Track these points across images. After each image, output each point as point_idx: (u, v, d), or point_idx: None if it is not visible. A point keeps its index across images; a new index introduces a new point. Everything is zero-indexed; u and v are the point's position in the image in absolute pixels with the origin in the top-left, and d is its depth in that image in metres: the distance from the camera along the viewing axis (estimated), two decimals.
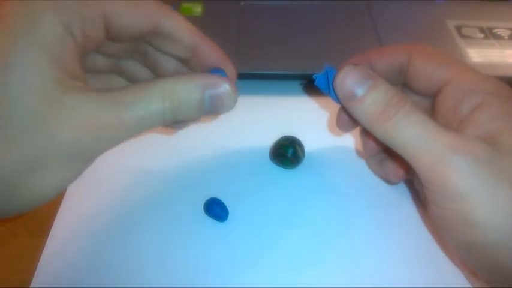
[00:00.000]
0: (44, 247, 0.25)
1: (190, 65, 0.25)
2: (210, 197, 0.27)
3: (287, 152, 0.29)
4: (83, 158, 0.20)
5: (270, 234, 0.26)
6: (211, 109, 0.22)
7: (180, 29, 0.23)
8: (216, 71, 0.24)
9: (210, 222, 0.27)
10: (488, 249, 0.20)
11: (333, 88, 0.23)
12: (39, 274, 0.24)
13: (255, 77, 0.35)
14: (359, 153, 0.31)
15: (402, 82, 0.26)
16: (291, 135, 0.30)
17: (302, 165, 0.30)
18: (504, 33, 0.38)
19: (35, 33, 0.18)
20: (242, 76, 0.35)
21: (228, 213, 0.27)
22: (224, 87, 0.22)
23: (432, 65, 0.24)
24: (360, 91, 0.21)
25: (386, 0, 0.41)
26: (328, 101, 0.25)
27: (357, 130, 0.33)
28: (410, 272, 0.24)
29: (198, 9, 0.41)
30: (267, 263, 0.25)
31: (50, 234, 0.26)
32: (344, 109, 0.25)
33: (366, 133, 0.28)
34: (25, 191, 0.19)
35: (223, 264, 0.25)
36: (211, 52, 0.24)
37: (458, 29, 0.38)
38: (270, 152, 0.30)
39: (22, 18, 0.18)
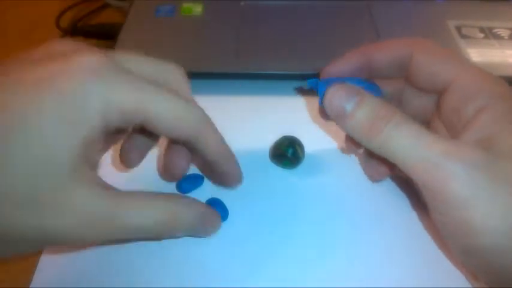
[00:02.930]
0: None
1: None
2: (210, 197, 0.27)
3: (287, 152, 0.29)
4: (52, 244, 0.21)
5: (270, 234, 0.26)
6: (196, 234, 0.25)
7: (211, 148, 0.23)
8: (214, 202, 0.27)
9: None
10: (489, 253, 0.20)
11: (322, 105, 0.23)
12: (39, 274, 0.24)
13: (255, 77, 0.35)
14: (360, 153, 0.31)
15: (404, 77, 0.25)
16: (291, 135, 0.30)
17: (302, 165, 0.30)
18: (504, 33, 0.38)
19: (77, 119, 0.18)
20: (242, 76, 0.35)
21: (228, 213, 0.27)
22: (216, 222, 0.25)
23: (436, 63, 0.23)
24: (348, 107, 0.22)
25: (386, 0, 0.41)
26: None
27: None
28: (411, 272, 0.24)
29: (198, 9, 0.41)
30: (267, 263, 0.25)
31: None
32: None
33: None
34: None
35: (223, 264, 0.25)
36: (227, 169, 0.25)
37: (458, 29, 0.38)
38: (270, 152, 0.30)
39: (74, 98, 0.18)
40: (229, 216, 0.27)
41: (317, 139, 0.32)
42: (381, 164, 0.27)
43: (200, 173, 0.28)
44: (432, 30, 0.38)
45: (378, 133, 0.21)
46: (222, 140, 0.24)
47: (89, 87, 0.18)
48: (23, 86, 0.18)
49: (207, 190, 0.28)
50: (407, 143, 0.20)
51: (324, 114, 0.27)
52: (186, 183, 0.28)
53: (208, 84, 0.36)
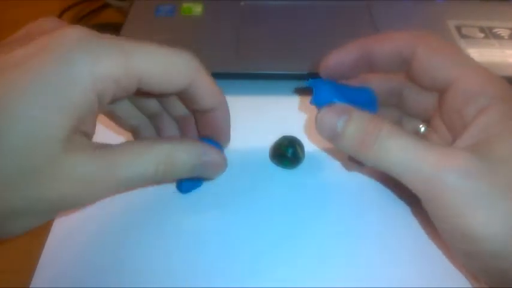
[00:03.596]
0: (44, 247, 0.25)
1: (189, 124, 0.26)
2: (210, 199, 0.27)
3: (287, 152, 0.29)
4: (61, 210, 0.21)
5: (269, 234, 0.26)
6: (200, 175, 0.24)
7: (205, 93, 0.23)
8: (208, 140, 0.25)
9: (208, 222, 0.26)
10: (489, 258, 0.20)
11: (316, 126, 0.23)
12: (39, 274, 0.24)
13: (255, 77, 0.35)
14: None
15: (404, 72, 0.25)
16: (291, 135, 0.30)
17: (302, 165, 0.30)
18: (504, 33, 0.38)
19: (66, 90, 0.18)
20: (242, 76, 0.35)
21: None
22: (217, 157, 0.24)
23: (438, 60, 0.23)
24: (339, 127, 0.22)
25: (386, 0, 0.41)
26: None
27: None
28: (411, 272, 0.24)
29: (198, 9, 0.41)
30: (266, 263, 0.25)
31: (50, 234, 0.26)
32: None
33: None
34: None
35: (222, 264, 0.25)
36: (223, 118, 0.25)
37: (458, 29, 0.38)
38: (270, 152, 0.30)
39: (62, 67, 0.18)
40: (229, 216, 0.27)
41: (317, 139, 0.32)
42: None
43: None
44: (432, 30, 0.38)
45: (369, 148, 0.21)
46: (216, 86, 0.23)
47: (75, 61, 0.18)
48: (8, 64, 0.17)
49: (207, 191, 0.28)
50: (398, 156, 0.20)
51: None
52: (186, 183, 0.28)
53: None
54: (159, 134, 0.26)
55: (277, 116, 0.34)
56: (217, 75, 0.35)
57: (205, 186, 0.28)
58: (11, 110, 0.17)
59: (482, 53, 0.36)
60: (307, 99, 0.35)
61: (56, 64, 0.17)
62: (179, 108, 0.26)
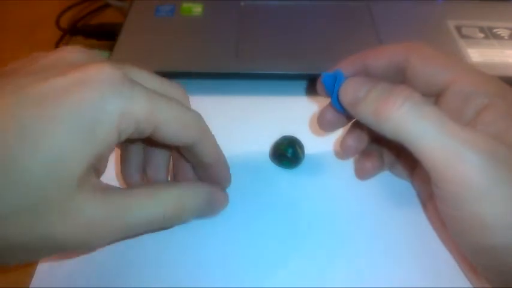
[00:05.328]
0: None
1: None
2: None
3: (287, 152, 0.29)
4: (62, 251, 0.21)
5: (269, 234, 0.26)
6: (206, 215, 0.25)
7: (208, 151, 0.23)
8: None
9: (208, 222, 0.26)
10: (502, 252, 0.19)
11: (337, 94, 0.23)
12: (39, 274, 0.24)
13: (255, 77, 0.35)
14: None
15: (401, 82, 0.25)
16: (291, 135, 0.30)
17: (302, 165, 0.30)
18: (504, 33, 0.38)
19: (93, 131, 0.18)
20: (242, 76, 0.35)
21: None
22: (223, 198, 0.26)
23: (432, 66, 0.23)
24: (361, 94, 0.21)
25: (386, 0, 0.41)
26: (329, 101, 0.26)
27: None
28: (411, 272, 0.24)
29: (198, 9, 0.41)
30: (266, 263, 0.25)
31: None
32: (328, 109, 0.26)
33: (348, 134, 0.28)
34: None
35: (222, 264, 0.25)
36: (220, 173, 0.26)
37: (458, 29, 0.38)
38: (270, 152, 0.30)
39: (92, 110, 0.18)
40: (228, 216, 0.27)
41: (317, 139, 0.32)
42: (368, 161, 0.28)
43: None
44: (432, 30, 0.38)
45: (393, 110, 0.20)
46: (217, 145, 0.24)
47: (107, 98, 0.18)
48: (39, 95, 0.18)
49: None
50: (428, 126, 0.19)
51: (323, 123, 0.27)
52: None
53: (208, 84, 0.36)
54: (146, 165, 0.26)
55: (277, 116, 0.34)
56: (217, 75, 0.35)
57: None
58: (41, 134, 0.17)
59: (482, 53, 0.36)
60: (308, 99, 0.35)
61: (91, 99, 0.18)
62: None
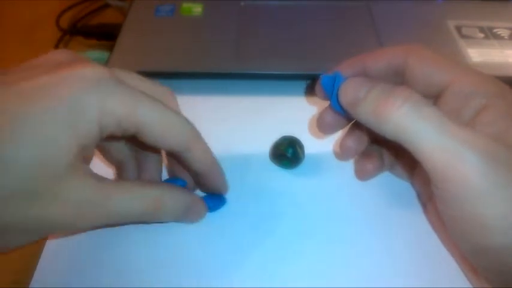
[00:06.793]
0: (43, 247, 0.25)
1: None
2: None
3: (287, 152, 0.29)
4: (50, 232, 0.22)
5: (269, 234, 0.26)
6: (183, 221, 0.26)
7: (199, 160, 0.24)
8: (173, 180, 0.27)
9: (208, 221, 0.26)
10: (501, 253, 0.19)
11: (336, 95, 0.23)
12: (39, 274, 0.24)
13: (255, 77, 0.35)
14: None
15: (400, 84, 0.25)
16: (291, 135, 0.30)
17: (302, 165, 0.30)
18: (504, 33, 0.38)
19: (74, 124, 0.19)
20: (242, 76, 0.35)
21: (226, 201, 0.27)
22: (202, 208, 0.26)
23: (430, 68, 0.23)
24: (361, 94, 0.22)
25: (386, 0, 0.41)
26: (327, 103, 0.26)
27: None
28: (410, 272, 0.24)
29: (198, 9, 0.41)
30: (266, 263, 0.25)
31: (50, 235, 0.26)
32: (327, 111, 0.26)
33: (347, 135, 0.28)
34: None
35: (222, 264, 0.25)
36: (215, 179, 0.26)
37: (458, 29, 0.38)
38: (270, 152, 0.30)
39: (73, 104, 0.19)
40: (228, 216, 0.27)
41: (317, 139, 0.32)
42: (368, 162, 0.28)
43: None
44: (432, 30, 0.38)
45: (393, 111, 0.20)
46: (210, 153, 0.24)
47: (88, 95, 0.19)
48: (26, 91, 0.19)
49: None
50: (428, 126, 0.19)
51: (322, 126, 0.27)
52: (210, 202, 0.27)
53: (208, 84, 0.36)
54: (141, 170, 0.27)
55: (277, 116, 0.34)
56: (217, 75, 0.35)
57: None
58: (30, 126, 0.18)
59: (482, 53, 0.36)
60: (308, 99, 0.35)
61: (73, 93, 0.19)
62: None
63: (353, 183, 0.29)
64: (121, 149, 0.26)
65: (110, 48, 0.36)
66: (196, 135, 0.23)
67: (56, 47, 0.41)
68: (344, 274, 0.24)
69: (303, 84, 0.36)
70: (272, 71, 0.35)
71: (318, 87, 0.26)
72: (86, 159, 0.21)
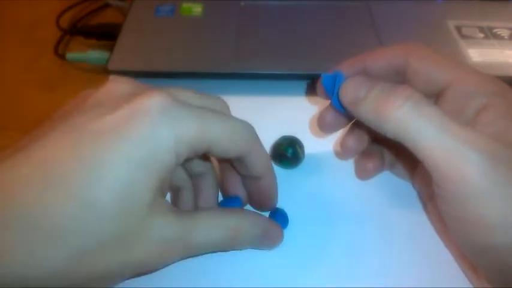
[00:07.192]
0: None
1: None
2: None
3: (287, 152, 0.29)
4: (135, 274, 0.21)
5: None
6: (260, 247, 0.25)
7: (258, 161, 0.23)
8: (231, 200, 0.26)
9: None
10: (502, 252, 0.19)
11: (337, 94, 0.23)
12: None
13: (255, 77, 0.35)
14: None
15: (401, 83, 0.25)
16: (291, 135, 0.30)
17: (302, 165, 0.30)
18: (504, 33, 0.38)
19: (153, 159, 0.19)
20: (242, 76, 0.35)
21: (288, 222, 0.26)
22: (278, 233, 0.25)
23: (431, 67, 0.23)
24: (362, 93, 0.22)
25: (386, 0, 0.41)
26: (329, 101, 0.26)
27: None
28: (410, 272, 0.24)
29: (198, 9, 0.41)
30: (266, 263, 0.25)
31: None
32: (328, 110, 0.26)
33: (348, 134, 0.28)
34: None
35: (221, 264, 0.25)
36: (270, 185, 0.26)
37: (458, 29, 0.38)
38: (270, 152, 0.30)
39: (148, 141, 0.19)
40: None
41: (317, 139, 0.32)
42: (368, 161, 0.28)
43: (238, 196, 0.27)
44: (432, 30, 0.38)
45: (394, 110, 0.20)
46: (268, 155, 0.24)
47: (159, 128, 0.19)
48: (94, 136, 0.18)
49: None
50: (429, 125, 0.19)
51: (323, 125, 0.27)
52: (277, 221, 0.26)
53: (208, 84, 0.36)
54: (197, 195, 0.27)
55: (277, 116, 0.34)
56: (217, 75, 0.35)
57: None
58: (105, 177, 0.18)
59: (482, 53, 0.36)
60: (308, 99, 0.35)
61: (145, 129, 0.19)
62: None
63: (353, 183, 0.29)
64: (180, 175, 0.26)
65: (110, 48, 0.36)
66: (257, 136, 0.23)
67: (56, 47, 0.41)
68: (344, 274, 0.24)
69: (303, 84, 0.36)
70: (272, 71, 0.35)
71: (318, 87, 0.26)
72: (164, 194, 0.21)
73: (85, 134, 0.18)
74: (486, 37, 0.37)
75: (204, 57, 0.36)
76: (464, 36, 0.37)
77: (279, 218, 0.26)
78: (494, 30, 0.38)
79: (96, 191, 0.18)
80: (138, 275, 0.23)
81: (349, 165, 0.30)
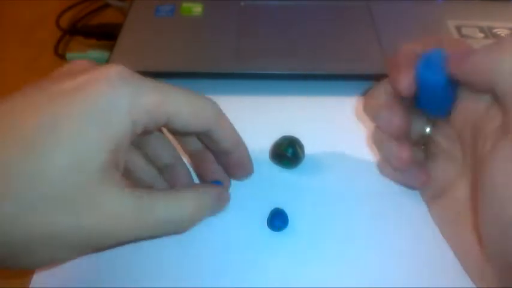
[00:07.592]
0: None
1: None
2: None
3: (287, 152, 0.29)
4: (92, 244, 0.21)
5: (269, 234, 0.26)
6: (214, 213, 0.26)
7: (225, 136, 0.24)
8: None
9: (208, 221, 0.26)
10: None
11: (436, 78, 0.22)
12: (39, 274, 0.24)
13: (255, 77, 0.35)
14: (360, 153, 0.31)
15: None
16: (291, 135, 0.30)
17: (302, 165, 0.30)
18: (504, 33, 0.38)
19: (108, 121, 0.19)
20: (242, 76, 0.35)
21: (288, 222, 0.26)
22: (227, 196, 0.27)
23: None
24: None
25: (386, 0, 0.41)
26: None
27: (355, 128, 0.33)
28: (411, 272, 0.24)
29: (198, 9, 0.41)
30: (266, 263, 0.25)
31: None
32: (404, 146, 0.25)
33: (402, 146, 0.25)
34: (23, 260, 0.20)
35: (221, 264, 0.25)
36: (242, 158, 0.26)
37: (458, 29, 0.38)
38: (270, 152, 0.30)
39: (104, 101, 0.19)
40: (228, 215, 0.27)
41: (317, 139, 0.32)
42: (420, 172, 0.26)
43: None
44: (432, 30, 0.38)
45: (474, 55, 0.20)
46: (235, 130, 0.25)
47: (117, 92, 0.20)
48: (54, 95, 0.19)
49: None
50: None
51: (400, 163, 0.25)
52: (277, 224, 0.26)
53: (208, 84, 0.36)
54: (172, 187, 0.27)
55: (277, 116, 0.34)
56: (217, 75, 0.35)
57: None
58: (59, 131, 0.18)
59: None
60: (308, 99, 0.35)
61: (101, 90, 0.19)
62: (194, 144, 0.27)
63: (353, 182, 0.29)
64: (149, 172, 0.26)
65: (110, 48, 0.36)
66: (222, 112, 0.24)
67: (56, 47, 0.41)
68: (344, 274, 0.24)
69: (303, 84, 0.36)
70: (272, 71, 0.35)
71: (405, 77, 0.23)
72: (120, 167, 0.21)
73: (45, 93, 0.19)
74: (486, 37, 0.37)
75: (204, 57, 0.36)
76: (464, 36, 0.37)
77: (279, 218, 0.26)
78: (494, 30, 0.38)
79: (48, 144, 0.18)
80: (96, 249, 0.23)
81: (348, 165, 0.30)
